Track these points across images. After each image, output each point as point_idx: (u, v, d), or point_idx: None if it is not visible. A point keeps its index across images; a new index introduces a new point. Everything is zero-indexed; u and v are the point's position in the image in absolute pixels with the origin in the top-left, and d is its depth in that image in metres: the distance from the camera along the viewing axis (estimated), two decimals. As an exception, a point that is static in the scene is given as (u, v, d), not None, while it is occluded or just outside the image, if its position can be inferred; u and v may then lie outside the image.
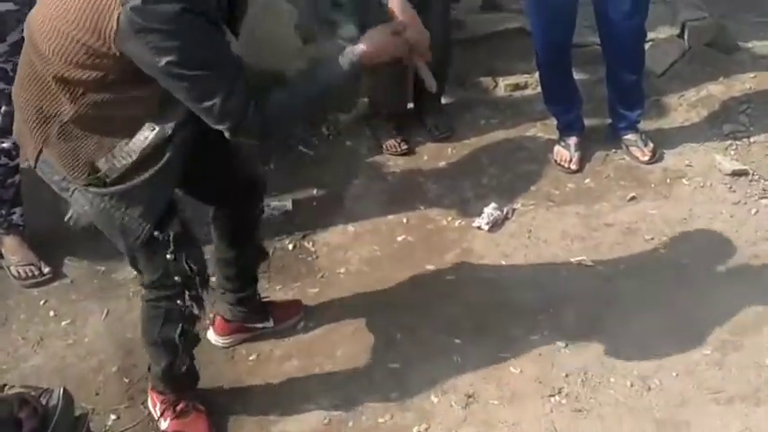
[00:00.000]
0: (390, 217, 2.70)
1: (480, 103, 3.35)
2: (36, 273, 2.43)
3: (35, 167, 1.68)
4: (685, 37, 3.50)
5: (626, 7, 2.62)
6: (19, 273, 2.42)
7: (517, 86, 3.42)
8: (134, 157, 1.58)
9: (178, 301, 1.77)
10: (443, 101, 3.28)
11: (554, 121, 3.05)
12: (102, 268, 2.50)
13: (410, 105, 3.23)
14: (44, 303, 2.38)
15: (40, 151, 1.62)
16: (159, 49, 1.38)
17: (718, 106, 3.16)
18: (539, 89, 3.39)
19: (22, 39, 2.19)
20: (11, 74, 2.21)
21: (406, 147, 3.08)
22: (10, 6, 2.16)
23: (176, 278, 1.74)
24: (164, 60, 1.38)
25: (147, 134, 1.58)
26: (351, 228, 2.67)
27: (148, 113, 1.58)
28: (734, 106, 3.15)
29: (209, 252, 2.01)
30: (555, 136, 3.04)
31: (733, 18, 3.96)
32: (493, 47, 3.52)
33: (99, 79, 1.47)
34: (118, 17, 1.35)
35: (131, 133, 1.58)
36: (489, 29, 3.53)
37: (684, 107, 3.19)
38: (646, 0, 2.68)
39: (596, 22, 2.80)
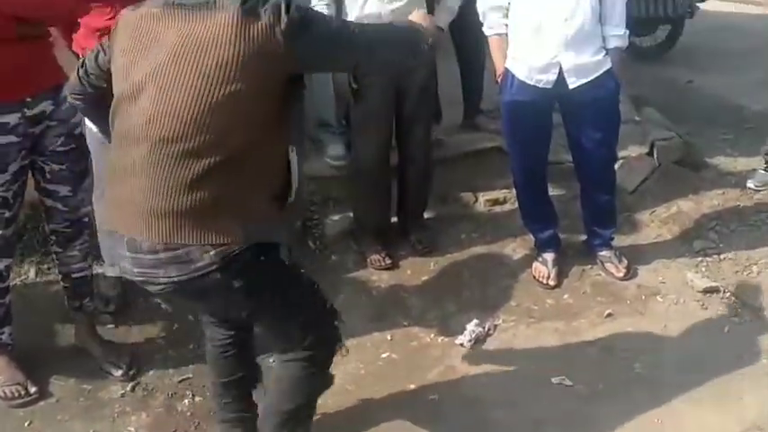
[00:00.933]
0: (375, 334, 2.75)
1: (462, 218, 3.49)
2: (23, 393, 2.44)
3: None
4: (655, 155, 3.71)
5: (597, 135, 2.79)
6: (5, 393, 2.43)
7: (496, 202, 3.57)
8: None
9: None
10: (426, 216, 3.41)
11: (530, 236, 3.18)
12: (89, 387, 2.52)
13: (393, 220, 3.35)
14: (29, 424, 2.38)
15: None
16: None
17: (689, 223, 3.32)
18: (516, 204, 3.57)
19: (22, 168, 2.33)
20: (11, 201, 2.32)
21: (390, 261, 3.18)
22: (12, 139, 2.27)
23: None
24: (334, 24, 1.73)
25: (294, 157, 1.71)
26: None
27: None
28: (704, 223, 3.30)
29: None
30: (529, 250, 3.16)
31: (700, 136, 4.23)
32: (472, 164, 3.71)
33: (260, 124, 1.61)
34: (280, 32, 1.54)
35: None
36: (468, 147, 3.73)
37: (656, 223, 3.34)
38: (615, 127, 2.85)
39: (569, 146, 2.98)
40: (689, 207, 3.43)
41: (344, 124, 3.51)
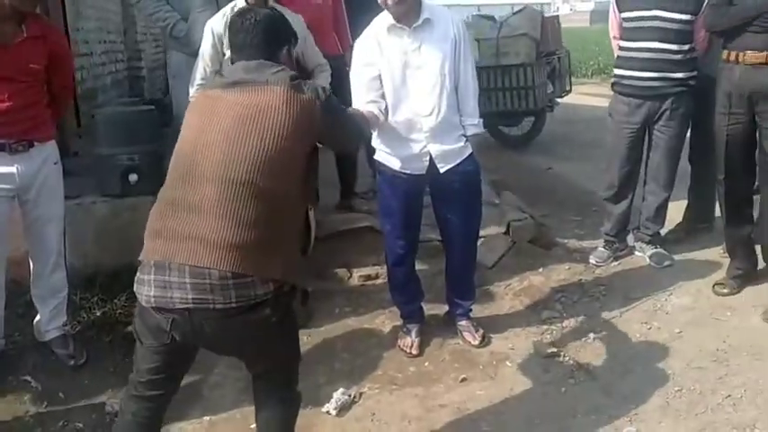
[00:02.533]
0: (246, 407, 2.84)
1: (336, 293, 3.70)
2: None
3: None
4: (510, 234, 4.10)
5: (462, 215, 3.08)
6: None
7: (369, 277, 3.82)
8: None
9: None
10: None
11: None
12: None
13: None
14: None
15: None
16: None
17: (539, 295, 3.68)
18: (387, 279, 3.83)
19: None
20: None
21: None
22: None
23: None
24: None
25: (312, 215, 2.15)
26: (206, 417, 2.81)
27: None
28: (551, 295, 3.67)
29: None
30: (399, 321, 3.40)
31: (554, 217, 4.70)
32: (347, 242, 3.96)
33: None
34: (320, 105, 2.01)
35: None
36: (343, 227, 4.00)
37: (510, 296, 3.68)
38: (479, 204, 3.15)
39: (438, 225, 3.23)
40: (539, 281, 3.80)
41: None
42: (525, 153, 6.67)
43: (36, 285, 3.07)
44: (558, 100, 7.04)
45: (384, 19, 2.84)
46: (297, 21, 3.24)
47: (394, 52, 2.83)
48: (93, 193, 3.64)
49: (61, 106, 3.10)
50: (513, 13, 6.62)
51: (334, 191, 4.23)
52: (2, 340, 3.05)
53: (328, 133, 2.11)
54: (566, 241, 4.33)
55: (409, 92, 2.86)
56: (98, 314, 3.33)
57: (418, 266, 3.43)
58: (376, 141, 3.02)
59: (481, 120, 3.03)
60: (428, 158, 2.92)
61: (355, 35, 3.20)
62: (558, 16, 7.17)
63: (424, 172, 2.94)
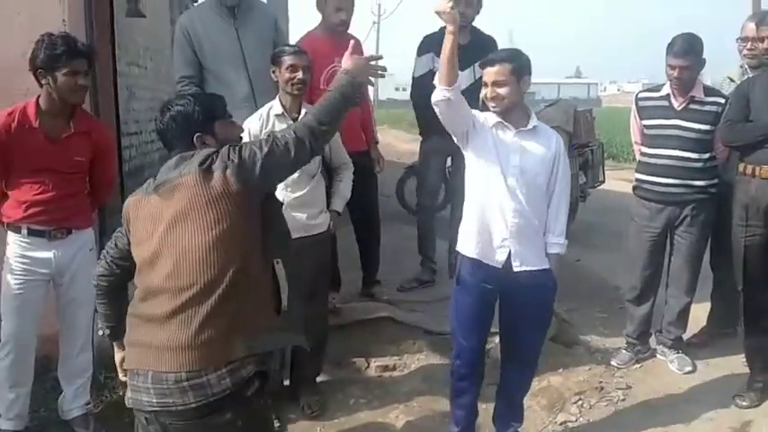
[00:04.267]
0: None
1: (353, 383, 3.74)
2: None
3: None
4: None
5: (526, 326, 2.98)
6: None
7: (386, 368, 3.86)
8: None
9: None
10: (319, 379, 3.65)
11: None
12: None
13: (286, 383, 3.57)
14: None
15: None
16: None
17: (556, 396, 3.64)
18: (405, 371, 3.87)
19: None
20: None
21: (278, 425, 3.36)
22: None
23: None
24: (266, 146, 2.11)
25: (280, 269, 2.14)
26: None
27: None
28: (568, 397, 3.63)
29: None
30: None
31: (578, 312, 4.67)
32: (366, 332, 4.02)
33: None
34: (231, 174, 2.01)
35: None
36: (364, 316, 4.06)
37: (528, 396, 3.63)
38: (545, 325, 3.08)
39: (500, 334, 3.13)
40: (558, 381, 3.77)
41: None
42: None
43: (63, 364, 3.21)
44: (591, 190, 7.09)
45: (492, 116, 2.85)
46: None
47: (498, 144, 2.83)
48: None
49: (101, 196, 3.29)
50: (547, 106, 6.76)
51: (357, 277, 4.32)
52: (26, 416, 3.17)
53: (263, 180, 2.06)
54: (589, 339, 4.30)
55: (503, 187, 2.82)
56: (120, 394, 3.43)
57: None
58: (461, 228, 3.00)
59: (566, 241, 2.96)
60: (507, 253, 2.86)
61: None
62: (591, 110, 7.28)
63: (499, 266, 2.87)
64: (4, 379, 3.01)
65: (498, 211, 2.86)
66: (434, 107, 2.79)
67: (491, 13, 4.40)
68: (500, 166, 2.83)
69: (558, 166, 2.87)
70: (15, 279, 2.92)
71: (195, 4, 9.43)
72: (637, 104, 3.88)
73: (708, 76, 3.67)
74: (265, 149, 2.05)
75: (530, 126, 2.85)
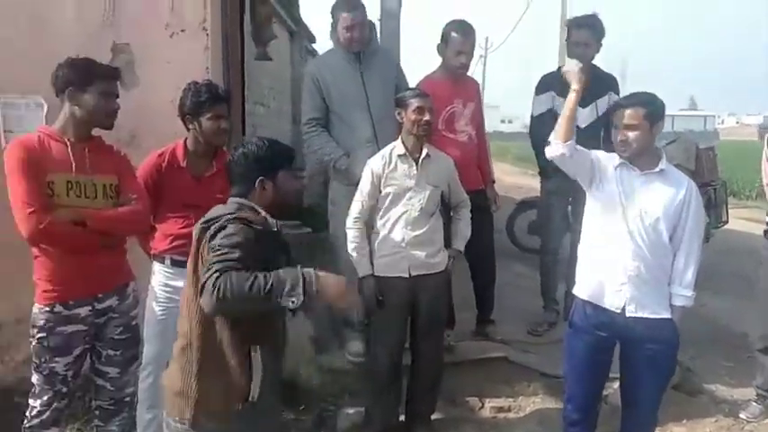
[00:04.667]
0: None
1: (466, 422, 3.75)
2: None
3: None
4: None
5: (644, 377, 2.87)
6: None
7: (501, 409, 3.84)
8: None
9: None
10: (433, 417, 3.67)
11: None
12: None
13: (401, 418, 3.62)
14: None
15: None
16: None
17: (679, 448, 3.50)
18: (520, 413, 3.83)
19: (84, 351, 2.76)
20: (69, 379, 2.74)
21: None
22: (80, 327, 2.74)
23: None
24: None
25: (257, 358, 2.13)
26: None
27: None
28: (693, 449, 3.48)
29: None
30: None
31: (702, 360, 4.46)
32: (481, 371, 4.02)
33: None
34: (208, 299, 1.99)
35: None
36: (478, 355, 4.07)
37: (649, 445, 3.52)
38: (664, 377, 2.95)
39: (620, 381, 3.02)
40: (681, 432, 3.62)
41: (365, 323, 3.91)
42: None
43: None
44: (714, 231, 6.76)
45: (617, 157, 2.83)
46: (446, 163, 3.51)
47: (621, 186, 2.80)
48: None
49: None
50: (667, 143, 6.54)
51: (472, 314, 4.33)
52: None
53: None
54: (714, 389, 4.10)
55: (623, 230, 2.78)
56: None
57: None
58: (578, 270, 2.98)
59: (694, 293, 2.83)
60: (623, 298, 2.81)
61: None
62: (713, 147, 6.98)
63: (615, 310, 2.82)
64: (144, 400, 3.22)
65: (617, 253, 2.81)
66: (552, 160, 2.82)
67: (605, 41, 4.32)
68: (621, 207, 2.79)
69: (687, 212, 2.78)
70: (159, 306, 3.15)
71: (314, 45, 9.92)
72: (768, 143, 3.71)
73: None
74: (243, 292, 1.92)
75: (657, 169, 2.80)
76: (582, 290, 2.94)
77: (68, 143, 2.73)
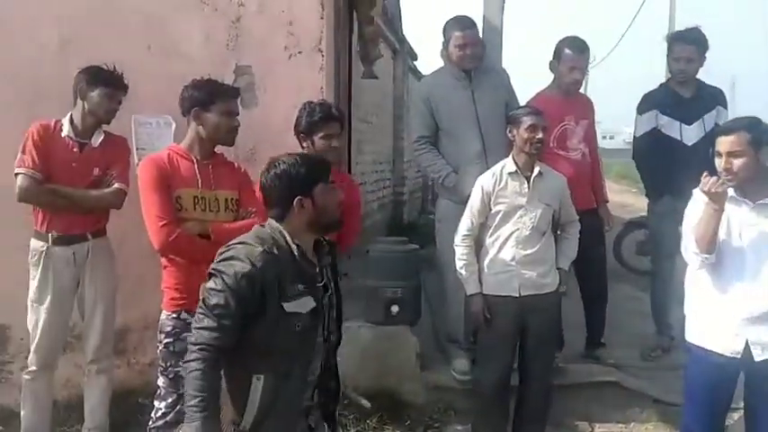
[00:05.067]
0: None
1: (576, 447, 3.65)
2: None
3: None
4: None
5: None
6: None
7: (611, 434, 3.71)
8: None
9: None
10: (542, 438, 3.60)
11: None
12: None
13: (510, 437, 3.57)
14: None
15: None
16: None
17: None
18: (634, 444, 3.69)
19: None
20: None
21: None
22: None
23: None
24: None
25: (258, 386, 2.05)
26: None
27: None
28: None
29: None
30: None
31: None
32: (590, 395, 3.90)
33: None
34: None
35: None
36: (588, 378, 3.96)
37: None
38: None
39: (746, 420, 2.85)
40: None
41: (472, 341, 3.89)
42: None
43: None
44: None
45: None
46: (559, 181, 3.46)
47: (731, 221, 2.68)
48: (359, 317, 4.07)
49: (348, 243, 3.53)
50: None
51: (581, 336, 4.23)
52: None
53: None
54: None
55: (738, 266, 2.66)
56: (352, 431, 3.66)
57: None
58: (688, 312, 2.86)
59: None
60: (744, 342, 2.66)
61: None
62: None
63: (738, 356, 2.66)
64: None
65: (730, 293, 2.67)
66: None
67: (711, 58, 4.12)
68: (732, 244, 2.66)
69: None
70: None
71: (416, 63, 10.03)
72: None
73: None
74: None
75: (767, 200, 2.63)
76: (696, 335, 2.80)
77: (195, 160, 2.91)
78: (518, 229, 3.34)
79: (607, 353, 4.14)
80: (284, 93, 3.74)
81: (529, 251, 3.33)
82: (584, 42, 4.06)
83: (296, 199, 2.12)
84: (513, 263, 3.33)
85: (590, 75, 42.80)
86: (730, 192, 2.67)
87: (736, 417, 3.22)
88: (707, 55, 4.18)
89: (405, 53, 9.44)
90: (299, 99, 3.55)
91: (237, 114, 2.99)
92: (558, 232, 3.54)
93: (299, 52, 3.83)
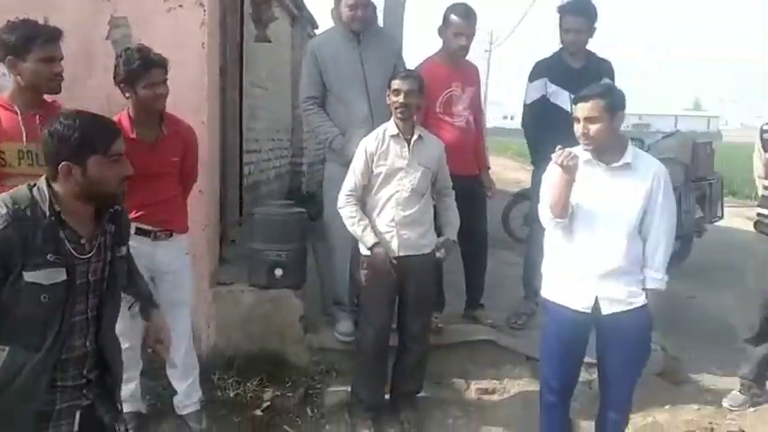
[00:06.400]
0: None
1: (452, 403, 3.78)
2: None
3: None
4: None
5: (620, 364, 2.92)
6: None
7: (486, 391, 3.88)
8: None
9: None
10: (419, 396, 3.70)
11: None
12: None
13: (386, 397, 3.64)
14: None
15: None
16: None
17: (661, 434, 3.53)
18: (505, 395, 3.86)
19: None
20: None
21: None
22: None
23: None
24: None
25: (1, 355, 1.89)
26: None
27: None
28: (675, 436, 3.51)
29: None
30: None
31: (690, 350, 4.48)
32: (468, 353, 4.05)
33: None
34: None
35: None
36: (466, 338, 4.09)
37: (631, 431, 3.55)
38: (639, 361, 2.98)
39: (598, 367, 3.06)
40: (664, 419, 3.65)
41: (356, 304, 3.94)
42: (669, 278, 6.44)
43: (170, 367, 3.37)
44: (709, 226, 6.79)
45: (583, 153, 2.82)
46: (438, 145, 3.52)
47: (585, 183, 2.80)
48: (242, 281, 4.03)
49: (188, 186, 3.41)
50: (664, 137, 6.58)
51: (461, 299, 4.36)
52: (143, 404, 3.42)
53: None
54: (699, 378, 4.13)
55: (588, 226, 2.81)
56: (231, 395, 3.63)
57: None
58: (544, 270, 3.01)
59: (666, 277, 2.87)
60: (594, 298, 2.83)
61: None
62: (710, 142, 6.99)
63: (588, 311, 2.83)
64: None
65: (583, 251, 2.82)
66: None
67: (612, 39, 4.29)
68: (586, 205, 2.81)
69: (655, 199, 2.78)
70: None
71: (316, 31, 9.90)
72: (762, 137, 3.73)
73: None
74: None
75: (621, 162, 2.79)
76: (550, 292, 2.96)
77: (18, 112, 2.72)
78: (398, 191, 3.38)
79: (485, 314, 4.28)
80: (162, 48, 3.55)
81: (408, 212, 3.38)
82: (470, 8, 4.10)
83: (62, 164, 1.94)
84: (393, 224, 3.37)
85: (493, 55, 43.76)
86: (587, 155, 2.81)
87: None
88: (606, 31, 4.30)
89: (304, 20, 9.30)
90: (179, 56, 3.43)
91: (61, 59, 2.75)
92: (435, 202, 3.59)
93: (180, 6, 3.69)
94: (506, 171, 17.81)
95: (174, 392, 3.45)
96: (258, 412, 3.55)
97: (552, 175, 2.86)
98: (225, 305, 3.95)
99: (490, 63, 42.39)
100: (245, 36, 5.77)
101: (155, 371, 3.52)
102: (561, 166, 2.72)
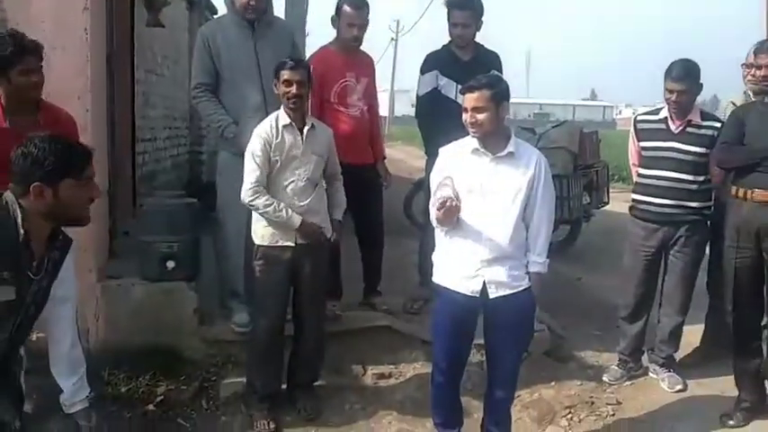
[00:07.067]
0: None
1: (349, 389, 3.84)
2: None
3: None
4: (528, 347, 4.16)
5: (507, 344, 3.05)
6: None
7: (382, 376, 3.95)
8: None
9: None
10: (317, 384, 3.74)
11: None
12: None
13: (283, 386, 3.66)
14: None
15: None
16: None
17: (546, 409, 3.72)
18: (401, 379, 3.96)
19: None
20: None
21: (273, 426, 3.46)
22: None
23: None
24: None
25: None
26: None
27: None
28: (559, 411, 3.71)
29: None
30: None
31: (575, 330, 4.74)
32: (365, 340, 4.11)
33: None
34: None
35: None
36: (363, 324, 4.16)
37: (518, 407, 3.71)
38: (524, 342, 3.19)
39: (485, 349, 3.22)
40: (549, 395, 3.85)
41: (252, 294, 3.91)
42: (557, 261, 6.68)
43: (56, 363, 3.23)
44: (596, 211, 7.17)
45: (471, 142, 2.95)
46: (327, 133, 3.55)
47: (472, 173, 2.93)
48: (133, 275, 3.93)
49: None
50: (553, 127, 6.87)
51: (359, 288, 4.42)
52: (28, 403, 3.27)
53: None
54: (582, 355, 4.37)
55: (475, 214, 2.92)
56: (122, 390, 3.54)
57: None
58: (435, 257, 3.10)
59: (548, 260, 3.03)
60: (481, 282, 2.94)
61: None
62: (596, 132, 7.36)
63: (477, 295, 2.95)
64: None
65: (471, 238, 2.94)
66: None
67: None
68: (473, 192, 2.92)
69: (537, 186, 2.94)
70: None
71: (215, 17, 9.68)
72: (635, 127, 3.98)
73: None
74: None
75: (506, 151, 2.93)
76: (441, 277, 3.06)
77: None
78: (293, 180, 3.39)
79: (382, 301, 4.36)
80: (41, 33, 3.41)
81: (304, 201, 3.40)
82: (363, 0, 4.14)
83: (34, 185, 1.97)
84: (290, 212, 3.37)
85: (399, 44, 43.88)
86: (474, 144, 2.93)
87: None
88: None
89: (202, 6, 9.08)
90: (59, 41, 3.30)
91: (40, 69, 2.86)
92: (325, 186, 3.61)
93: (60, -13, 3.54)
94: (412, 159, 18.03)
95: (61, 391, 3.32)
96: (151, 407, 3.48)
97: (438, 178, 2.99)
98: (114, 299, 3.84)
99: (397, 51, 42.77)
100: (135, 21, 5.57)
101: (43, 368, 3.37)
102: (440, 221, 2.90)
